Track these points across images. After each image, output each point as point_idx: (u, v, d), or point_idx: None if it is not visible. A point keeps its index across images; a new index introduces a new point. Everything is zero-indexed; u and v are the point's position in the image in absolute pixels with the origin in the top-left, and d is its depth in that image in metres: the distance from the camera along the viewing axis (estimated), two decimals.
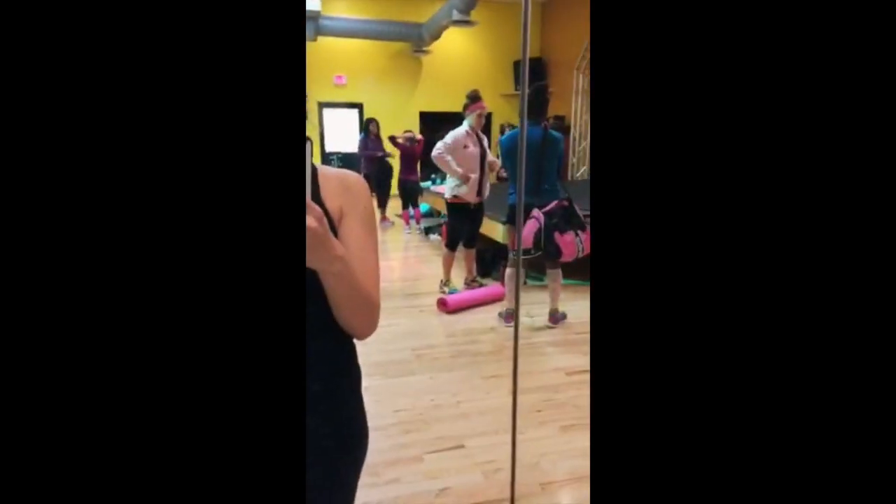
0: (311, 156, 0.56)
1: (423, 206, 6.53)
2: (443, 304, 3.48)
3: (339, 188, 0.77)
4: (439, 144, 3.51)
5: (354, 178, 0.79)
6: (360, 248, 0.75)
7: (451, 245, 3.74)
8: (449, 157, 3.49)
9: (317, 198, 0.74)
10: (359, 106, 8.95)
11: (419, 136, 6.24)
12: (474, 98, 3.49)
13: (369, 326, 0.75)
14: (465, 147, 3.47)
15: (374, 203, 0.82)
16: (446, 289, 3.78)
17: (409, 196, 6.25)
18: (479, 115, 3.49)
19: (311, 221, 0.55)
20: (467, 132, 3.49)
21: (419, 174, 6.28)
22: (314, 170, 0.77)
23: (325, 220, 0.57)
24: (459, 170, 3.49)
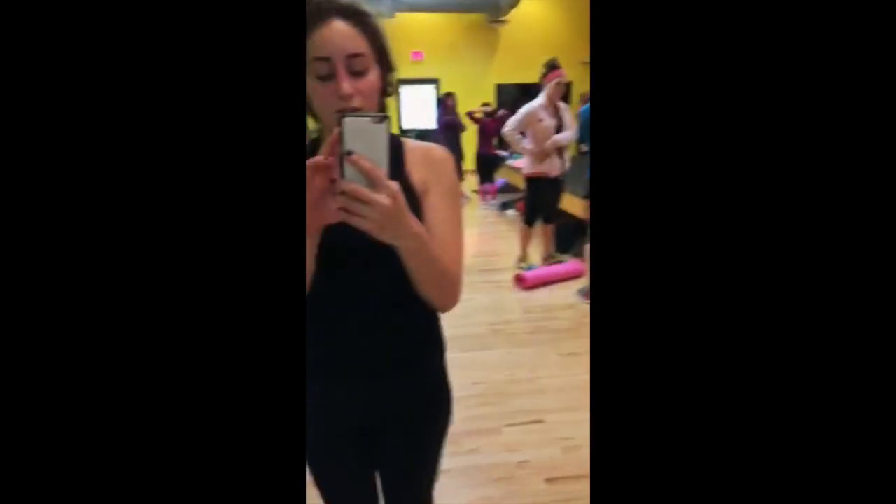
0: (389, 132, 0.57)
1: (500, 181, 6.47)
2: (520, 281, 3.46)
3: (424, 161, 0.77)
4: (510, 121, 3.40)
5: (440, 152, 0.79)
6: (443, 222, 0.74)
7: (529, 220, 3.67)
8: (518, 135, 3.38)
9: (400, 171, 0.75)
10: (435, 81, 8.94)
11: (501, 111, 6.13)
12: (552, 66, 3.29)
13: (449, 300, 0.76)
14: (540, 120, 3.31)
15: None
16: (523, 265, 3.74)
17: (487, 170, 6.21)
18: (558, 85, 3.29)
19: (384, 198, 0.56)
20: (542, 104, 3.32)
21: (496, 148, 6.20)
22: (399, 143, 0.78)
23: (399, 196, 0.57)
24: (529, 146, 3.38)
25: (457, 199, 0.78)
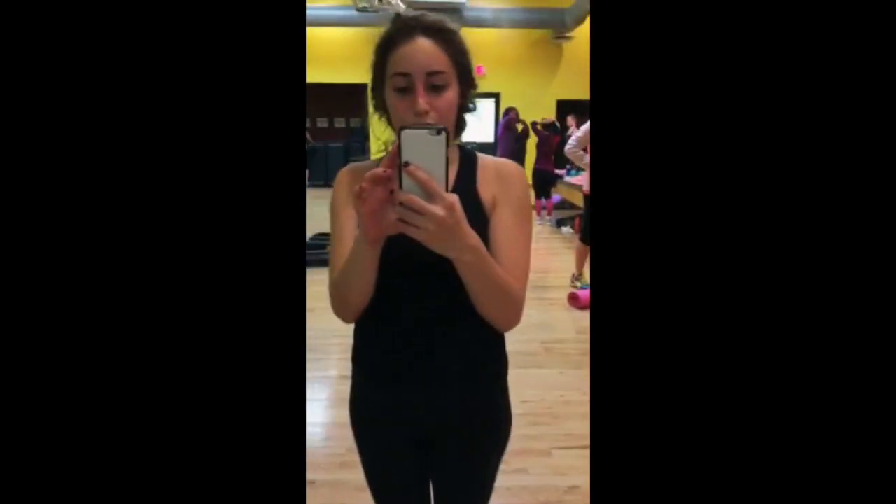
0: (448, 146, 0.57)
1: (555, 197, 6.38)
2: (574, 300, 3.39)
3: (495, 177, 0.76)
4: (573, 138, 3.40)
5: (511, 167, 0.78)
6: (509, 238, 0.73)
7: (587, 238, 3.61)
8: (581, 152, 3.36)
9: (472, 186, 0.75)
10: (496, 95, 8.98)
11: (557, 124, 6.08)
12: None
13: (507, 319, 0.74)
14: None
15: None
16: (578, 283, 3.67)
17: (543, 186, 6.15)
18: None
19: (439, 210, 0.56)
20: None
21: (554, 163, 6.14)
22: (473, 158, 0.78)
23: (456, 208, 0.57)
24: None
25: (526, 216, 0.77)
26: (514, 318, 0.74)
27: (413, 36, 0.68)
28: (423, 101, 0.67)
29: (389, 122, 0.75)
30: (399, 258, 0.74)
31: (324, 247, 3.76)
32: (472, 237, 0.62)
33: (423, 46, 0.68)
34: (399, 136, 0.57)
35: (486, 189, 0.76)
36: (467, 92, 0.74)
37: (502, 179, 0.76)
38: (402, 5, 5.11)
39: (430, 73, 0.67)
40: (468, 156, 0.79)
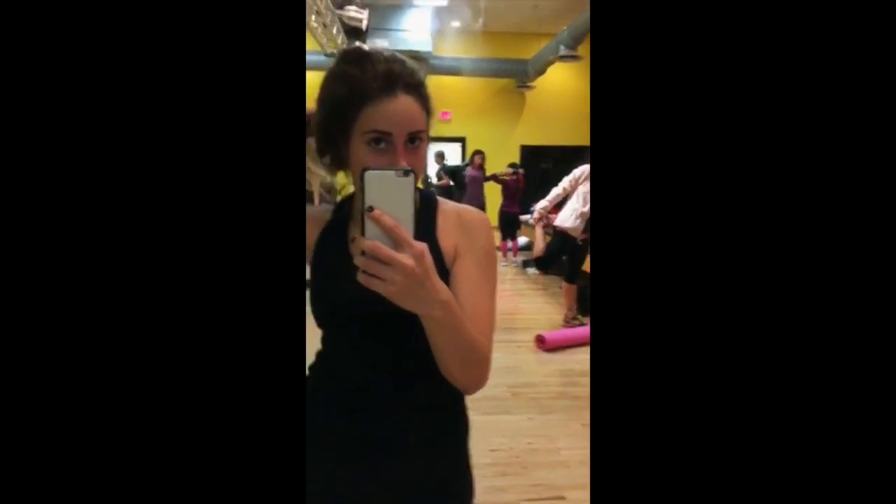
0: (416, 189, 0.53)
1: (522, 239, 6.47)
2: (540, 342, 3.36)
3: (457, 225, 0.71)
4: (564, 180, 3.63)
5: (474, 214, 0.73)
6: (473, 292, 0.68)
7: (572, 278, 3.72)
8: (543, 210, 3.68)
9: (431, 234, 0.70)
10: (462, 140, 9.20)
11: (521, 170, 6.25)
12: None
13: (475, 381, 0.67)
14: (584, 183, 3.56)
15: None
16: (576, 321, 3.77)
17: (509, 228, 6.23)
18: None
19: (407, 259, 0.50)
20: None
21: (519, 206, 6.25)
22: (434, 204, 0.74)
23: (426, 257, 0.52)
24: (579, 206, 3.54)
25: (492, 266, 0.72)
26: (482, 380, 0.67)
27: (394, 92, 0.62)
28: (405, 162, 0.62)
29: (346, 167, 0.71)
30: (349, 312, 0.69)
31: None
32: (444, 291, 0.56)
33: (406, 105, 0.63)
34: (362, 178, 0.52)
35: (447, 238, 0.70)
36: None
37: (465, 228, 0.71)
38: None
39: (412, 133, 0.63)
40: (428, 201, 0.74)
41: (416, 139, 0.64)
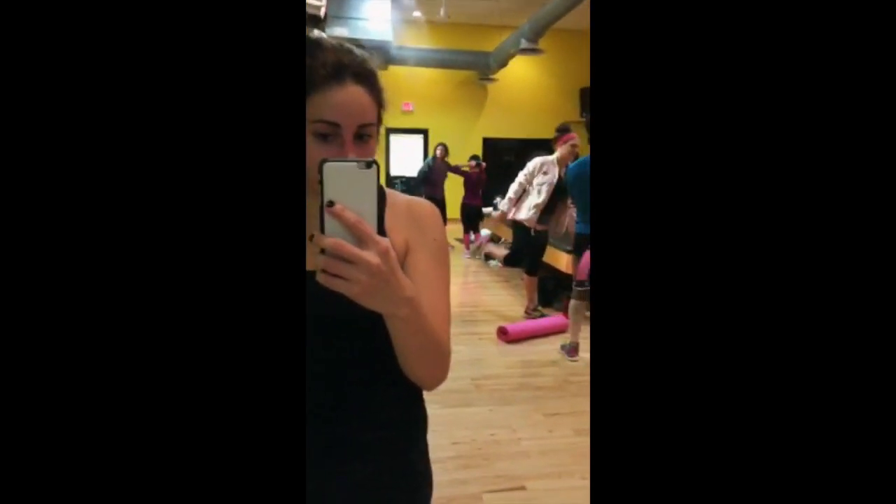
0: (378, 180, 0.50)
1: (484, 232, 6.50)
2: (503, 334, 3.40)
3: (407, 218, 0.69)
4: (523, 172, 3.67)
5: (425, 207, 0.71)
6: (429, 287, 0.65)
7: (532, 270, 3.78)
8: (516, 191, 3.67)
9: (380, 229, 0.66)
10: (424, 132, 9.15)
11: (482, 163, 6.27)
12: (564, 130, 3.66)
13: (437, 377, 0.65)
14: (545, 173, 3.59)
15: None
16: (537, 312, 3.83)
17: (471, 220, 6.25)
18: (573, 146, 3.55)
19: (372, 257, 0.47)
20: (553, 161, 3.59)
21: (482, 199, 6.28)
22: (382, 196, 0.70)
23: (391, 254, 0.49)
24: (537, 199, 3.58)
25: (444, 259, 0.70)
26: (443, 375, 0.66)
27: (342, 81, 0.59)
28: (353, 155, 0.59)
29: None
30: (315, 317, 0.66)
31: None
32: (409, 287, 0.52)
33: (356, 95, 0.60)
34: (320, 170, 0.48)
35: (398, 232, 0.67)
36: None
37: (416, 221, 0.69)
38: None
39: (362, 125, 0.60)
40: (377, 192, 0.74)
41: (366, 134, 0.62)
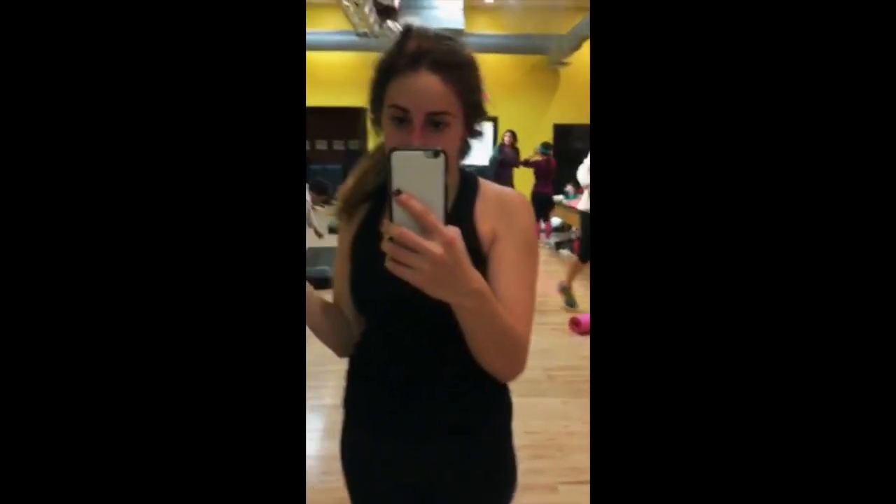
0: (446, 170, 0.50)
1: (555, 221, 6.37)
2: (575, 325, 3.33)
3: (496, 207, 0.69)
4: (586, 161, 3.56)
5: (515, 197, 0.71)
6: (512, 277, 0.65)
7: (585, 256, 3.68)
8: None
9: (468, 218, 0.68)
10: (493, 119, 9.06)
11: (550, 153, 6.13)
12: None
13: (511, 369, 0.66)
14: None
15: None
16: (565, 295, 3.77)
17: (542, 209, 6.14)
18: None
19: (435, 247, 0.48)
20: None
21: (552, 187, 6.15)
22: (474, 185, 0.72)
23: (456, 245, 0.49)
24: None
25: (532, 251, 0.69)
26: (518, 368, 0.66)
27: (417, 68, 0.61)
28: (419, 142, 0.60)
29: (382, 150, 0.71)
30: (383, 301, 0.69)
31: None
32: (476, 279, 0.53)
33: (427, 83, 0.60)
34: (389, 159, 0.48)
35: (485, 221, 0.68)
36: (475, 122, 0.68)
37: (504, 210, 0.69)
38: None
39: (432, 113, 0.61)
40: (468, 182, 0.72)
41: (440, 122, 0.62)
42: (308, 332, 0.62)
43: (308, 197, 3.64)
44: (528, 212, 0.71)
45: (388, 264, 0.49)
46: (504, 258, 0.67)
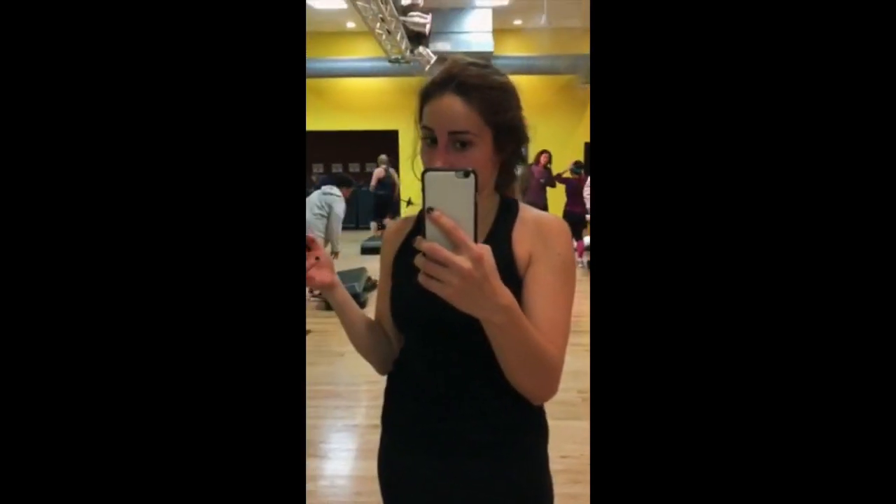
0: (476, 190, 0.52)
1: (587, 239, 6.29)
2: None
3: (534, 232, 0.71)
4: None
5: (554, 222, 0.72)
6: (546, 299, 0.66)
7: None
8: None
9: (505, 241, 0.70)
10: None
11: (582, 171, 6.09)
12: None
13: (542, 390, 0.66)
14: None
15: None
16: None
17: (574, 229, 6.08)
18: None
19: (464, 262, 0.50)
20: None
21: (584, 206, 6.09)
22: (514, 209, 0.73)
23: (485, 261, 0.51)
24: None
25: (569, 276, 0.70)
26: (549, 389, 0.67)
27: (443, 91, 0.66)
28: (442, 161, 0.64)
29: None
30: (417, 316, 0.71)
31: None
32: (505, 295, 0.55)
33: (450, 104, 0.65)
34: (423, 179, 0.52)
35: (522, 245, 0.70)
36: (512, 146, 0.71)
37: (542, 235, 0.70)
38: (433, 57, 5.29)
39: (453, 133, 0.65)
40: (508, 207, 0.74)
41: (464, 142, 0.65)
42: (345, 350, 0.64)
43: (373, 226, 3.79)
44: (567, 237, 0.72)
45: (421, 278, 0.52)
46: (539, 280, 0.68)
